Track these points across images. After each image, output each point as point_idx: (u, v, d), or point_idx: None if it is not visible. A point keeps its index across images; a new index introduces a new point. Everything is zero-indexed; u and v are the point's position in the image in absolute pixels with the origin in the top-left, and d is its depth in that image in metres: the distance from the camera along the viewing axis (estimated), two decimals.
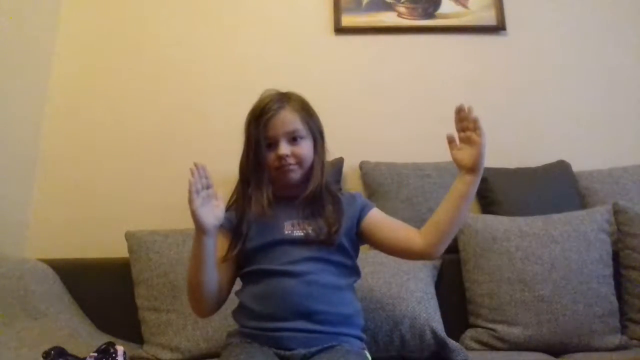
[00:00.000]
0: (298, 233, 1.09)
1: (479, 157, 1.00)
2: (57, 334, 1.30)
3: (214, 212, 1.01)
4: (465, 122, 1.01)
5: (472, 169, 1.02)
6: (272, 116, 1.10)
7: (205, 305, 1.07)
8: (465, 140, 1.02)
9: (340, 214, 1.11)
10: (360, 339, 1.09)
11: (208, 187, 1.02)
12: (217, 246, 1.04)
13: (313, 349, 0.99)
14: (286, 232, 1.09)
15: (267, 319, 1.02)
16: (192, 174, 1.00)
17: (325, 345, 0.99)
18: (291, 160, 1.09)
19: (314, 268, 1.05)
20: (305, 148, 1.12)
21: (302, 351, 0.99)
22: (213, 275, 1.03)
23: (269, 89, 1.17)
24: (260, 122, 1.10)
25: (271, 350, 0.99)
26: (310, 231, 1.08)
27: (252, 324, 1.04)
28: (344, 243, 1.10)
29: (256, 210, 1.09)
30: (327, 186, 1.16)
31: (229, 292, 1.11)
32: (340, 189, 1.24)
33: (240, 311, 1.09)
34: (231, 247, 1.09)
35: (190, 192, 0.98)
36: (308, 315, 1.01)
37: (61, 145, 1.90)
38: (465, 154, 1.02)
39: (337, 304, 1.04)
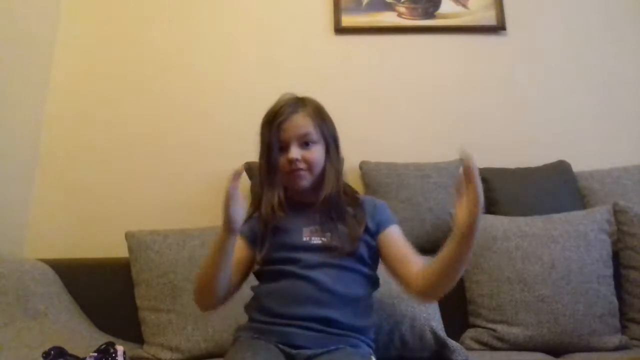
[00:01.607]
0: (316, 240, 1.09)
1: (470, 217, 0.87)
2: (57, 334, 1.30)
3: (240, 214, 1.02)
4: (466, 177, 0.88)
5: (462, 228, 0.89)
6: (285, 119, 1.10)
7: (212, 300, 1.08)
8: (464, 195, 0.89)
9: (361, 220, 1.10)
10: (369, 345, 1.08)
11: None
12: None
13: (319, 350, 0.98)
14: (304, 239, 1.09)
15: (279, 316, 1.02)
16: (234, 174, 0.99)
17: (331, 348, 0.99)
18: (301, 165, 1.09)
19: (331, 275, 1.04)
20: (316, 153, 1.11)
21: (307, 352, 0.98)
22: (228, 272, 1.05)
23: (286, 93, 1.17)
24: (273, 125, 1.11)
25: (277, 348, 0.99)
26: (329, 238, 1.08)
27: (263, 318, 1.04)
28: (363, 252, 1.09)
29: (265, 211, 1.10)
30: (345, 190, 1.16)
31: (236, 291, 1.12)
32: (356, 193, 1.22)
33: (254, 304, 1.10)
34: (253, 251, 1.12)
35: (229, 190, 0.99)
36: (320, 320, 1.01)
37: (61, 145, 1.90)
38: (461, 211, 0.89)
39: (351, 315, 1.04)
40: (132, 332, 1.47)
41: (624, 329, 1.45)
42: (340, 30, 2.05)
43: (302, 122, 1.11)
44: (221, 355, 1.37)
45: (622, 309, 1.46)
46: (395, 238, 1.12)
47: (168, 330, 1.42)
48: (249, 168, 1.72)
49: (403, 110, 1.99)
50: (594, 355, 1.36)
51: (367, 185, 1.83)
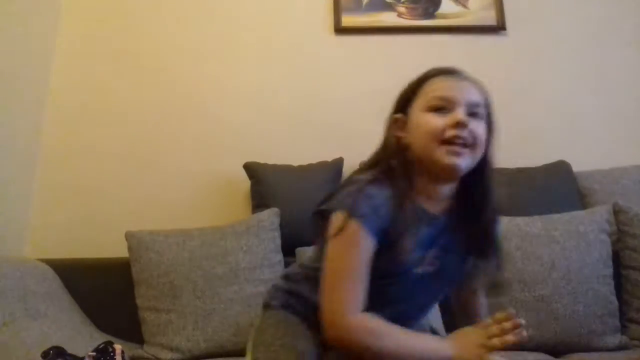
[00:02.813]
0: (428, 268, 0.87)
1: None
2: (57, 334, 1.30)
3: None
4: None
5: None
6: (455, 78, 0.89)
7: None
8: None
9: (496, 250, 0.91)
10: None
11: None
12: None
13: None
14: (418, 271, 0.86)
15: None
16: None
17: None
18: (466, 134, 0.84)
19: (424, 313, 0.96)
20: (483, 131, 0.88)
21: None
22: None
23: None
24: (431, 81, 0.90)
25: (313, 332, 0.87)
26: (440, 265, 0.88)
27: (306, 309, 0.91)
28: None
29: (402, 198, 0.84)
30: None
31: None
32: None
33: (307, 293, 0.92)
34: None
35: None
36: None
37: (61, 145, 1.90)
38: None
39: None
40: (132, 332, 1.47)
41: (624, 329, 1.45)
42: (340, 30, 2.04)
43: (474, 90, 0.89)
44: (221, 355, 1.38)
45: (622, 309, 1.46)
46: None
47: (168, 330, 1.42)
48: (248, 168, 1.72)
49: None
50: (594, 355, 1.36)
51: None
